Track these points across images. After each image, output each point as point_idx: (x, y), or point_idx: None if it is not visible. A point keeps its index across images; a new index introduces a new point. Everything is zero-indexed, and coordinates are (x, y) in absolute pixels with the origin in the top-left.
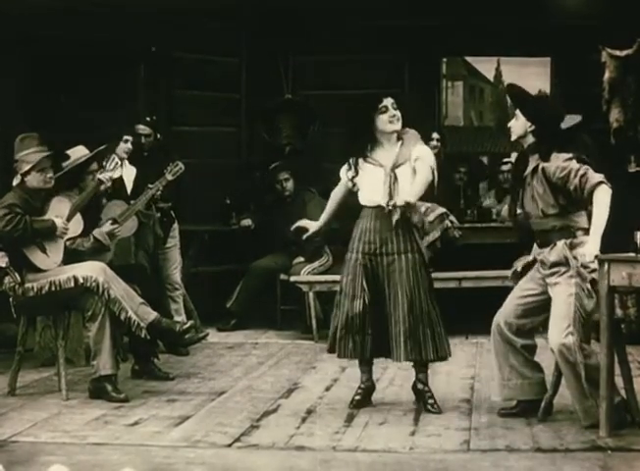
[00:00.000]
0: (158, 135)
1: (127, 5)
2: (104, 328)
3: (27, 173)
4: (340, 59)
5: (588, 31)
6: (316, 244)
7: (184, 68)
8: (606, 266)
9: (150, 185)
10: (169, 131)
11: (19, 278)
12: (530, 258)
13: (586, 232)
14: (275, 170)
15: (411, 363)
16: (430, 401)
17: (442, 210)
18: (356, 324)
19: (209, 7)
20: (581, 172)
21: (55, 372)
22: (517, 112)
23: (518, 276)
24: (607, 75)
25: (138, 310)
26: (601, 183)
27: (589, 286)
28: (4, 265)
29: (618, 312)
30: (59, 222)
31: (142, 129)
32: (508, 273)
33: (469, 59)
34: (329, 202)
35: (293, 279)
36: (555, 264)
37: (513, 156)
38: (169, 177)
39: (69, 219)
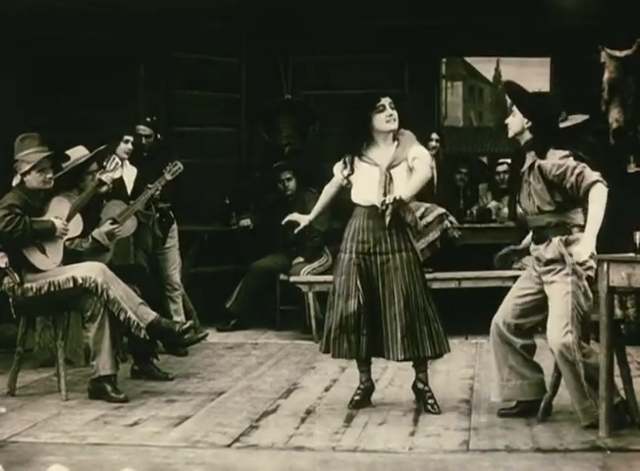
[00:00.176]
0: (158, 136)
1: (127, 5)
2: (103, 328)
3: (27, 173)
4: (340, 59)
5: (588, 32)
6: (316, 245)
7: (184, 68)
8: (605, 266)
9: (150, 186)
10: (169, 132)
11: (18, 278)
12: (520, 247)
13: (582, 228)
14: (277, 169)
15: (411, 363)
16: (430, 401)
17: (441, 210)
18: (351, 324)
19: (209, 7)
20: (578, 170)
21: (54, 372)
22: (514, 109)
23: (503, 259)
24: (606, 75)
25: (138, 310)
26: (597, 181)
27: (585, 283)
28: (3, 265)
29: (618, 313)
30: (58, 222)
31: (143, 129)
32: (508, 273)
33: (469, 59)
34: (321, 197)
35: (292, 279)
36: (550, 261)
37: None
38: (168, 177)
39: (68, 219)
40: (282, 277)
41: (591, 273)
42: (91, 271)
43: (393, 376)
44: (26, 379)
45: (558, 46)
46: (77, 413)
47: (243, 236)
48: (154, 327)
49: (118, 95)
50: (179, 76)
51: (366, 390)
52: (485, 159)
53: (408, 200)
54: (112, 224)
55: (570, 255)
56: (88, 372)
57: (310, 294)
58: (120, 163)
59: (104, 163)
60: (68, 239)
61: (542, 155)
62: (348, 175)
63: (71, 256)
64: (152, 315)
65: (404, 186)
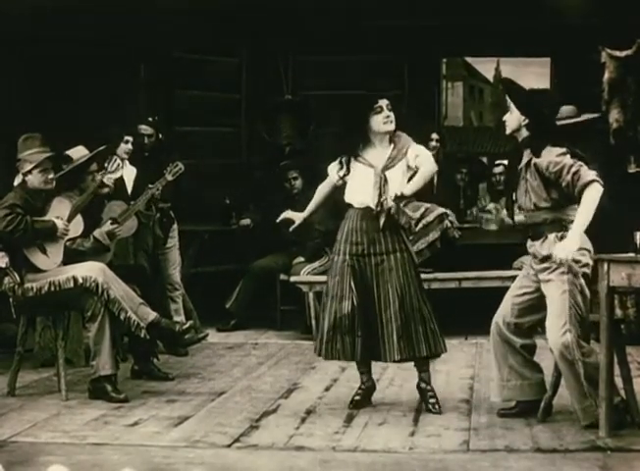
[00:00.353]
0: (160, 135)
1: (127, 5)
2: (104, 328)
3: (29, 172)
4: (340, 59)
5: (588, 32)
6: (316, 245)
7: (184, 68)
8: (605, 266)
9: (151, 186)
10: (169, 132)
11: (18, 278)
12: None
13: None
14: (283, 168)
15: (412, 363)
16: (431, 401)
17: (441, 210)
18: (345, 325)
19: (209, 7)
20: (574, 169)
21: (55, 372)
22: (512, 106)
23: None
24: (606, 75)
25: (138, 310)
26: (593, 181)
27: (582, 281)
28: (4, 265)
29: (618, 313)
30: (59, 223)
31: (145, 129)
32: (508, 273)
33: (469, 59)
34: (315, 196)
35: (292, 279)
36: (546, 258)
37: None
38: (169, 177)
39: (69, 220)
40: (282, 277)
41: (587, 270)
42: (92, 271)
43: (393, 376)
44: (26, 379)
45: (558, 46)
46: (77, 413)
47: (244, 236)
48: (154, 327)
49: (118, 95)
50: (179, 76)
51: (367, 390)
52: (485, 159)
53: (410, 196)
54: (112, 224)
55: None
56: (88, 372)
57: (311, 294)
58: (121, 164)
59: (105, 164)
60: (69, 239)
61: (537, 153)
62: (344, 175)
63: (72, 256)
64: (152, 315)
65: (410, 183)
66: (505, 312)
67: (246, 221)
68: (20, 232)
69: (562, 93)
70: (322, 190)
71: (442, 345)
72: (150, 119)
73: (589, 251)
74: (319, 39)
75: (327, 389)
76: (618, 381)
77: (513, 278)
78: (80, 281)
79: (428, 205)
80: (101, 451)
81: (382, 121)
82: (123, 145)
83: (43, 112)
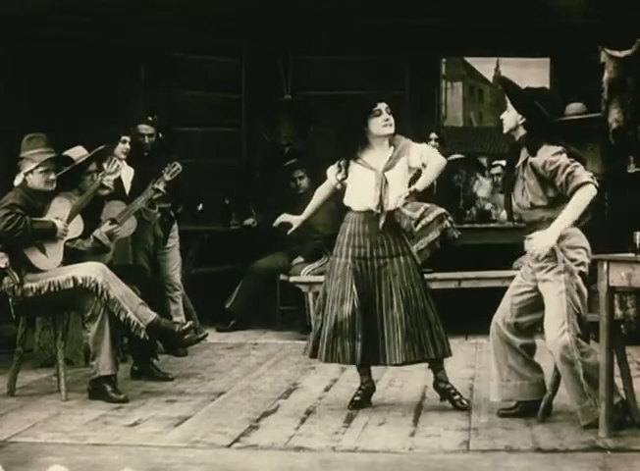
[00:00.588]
0: (160, 134)
1: (127, 5)
2: (103, 328)
3: (30, 172)
4: (340, 59)
5: (588, 32)
6: (317, 246)
7: (184, 68)
8: (605, 266)
9: (151, 186)
10: (169, 132)
11: (18, 278)
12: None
13: (574, 223)
14: (289, 168)
15: (413, 365)
16: (456, 397)
17: (441, 210)
18: (346, 328)
19: (209, 7)
20: (569, 169)
21: (54, 372)
22: (509, 104)
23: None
24: (606, 75)
25: (138, 311)
26: (587, 183)
27: (579, 280)
28: (3, 265)
29: (618, 313)
30: (59, 223)
31: (146, 128)
32: (508, 273)
33: (469, 59)
34: (313, 199)
35: (292, 279)
36: (543, 256)
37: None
38: (167, 177)
39: (69, 220)
40: (282, 277)
41: (583, 269)
42: (91, 271)
43: (393, 376)
44: (25, 379)
45: (558, 46)
46: (76, 413)
47: (246, 236)
48: (154, 327)
49: (118, 95)
50: (179, 76)
51: (367, 390)
52: (484, 159)
53: (421, 192)
54: (111, 224)
55: (562, 250)
56: (88, 372)
57: (310, 294)
58: (120, 164)
59: (104, 165)
60: (69, 240)
61: (534, 152)
62: (343, 178)
63: (71, 256)
64: (152, 315)
65: (422, 178)
66: (504, 312)
67: (249, 221)
68: (19, 232)
69: (562, 93)
70: (321, 193)
71: (447, 347)
72: (150, 118)
73: (586, 250)
74: (319, 39)
75: (327, 389)
76: (618, 381)
77: (513, 278)
78: (80, 281)
79: (428, 205)
80: (101, 452)
81: (381, 124)
82: (120, 145)
83: (43, 112)
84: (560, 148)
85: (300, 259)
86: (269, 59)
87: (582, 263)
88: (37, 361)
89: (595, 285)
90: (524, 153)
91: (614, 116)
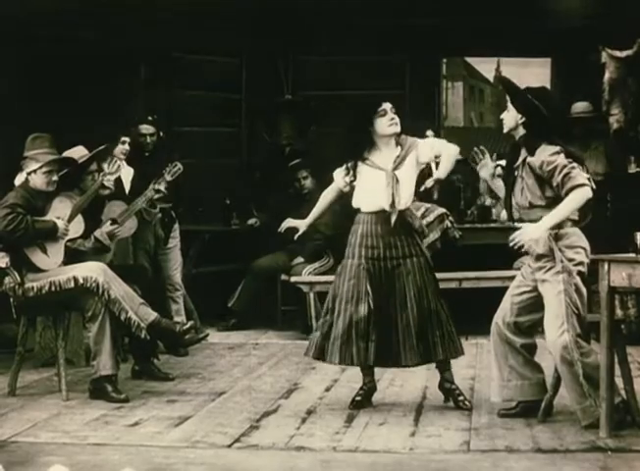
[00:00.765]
0: (161, 133)
1: (127, 5)
2: (104, 328)
3: (33, 172)
4: (340, 59)
5: (588, 32)
6: (317, 246)
7: (183, 68)
8: (606, 266)
9: (152, 186)
10: (169, 132)
11: (19, 278)
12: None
13: (574, 223)
14: (293, 168)
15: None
16: (460, 398)
17: (441, 210)
18: (361, 329)
19: (209, 7)
20: (565, 170)
21: (55, 372)
22: (509, 104)
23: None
24: (607, 75)
25: (138, 310)
26: (582, 185)
27: (577, 279)
28: (4, 265)
29: (618, 313)
30: (60, 223)
31: (146, 128)
32: (508, 273)
33: (469, 59)
34: (319, 202)
35: (293, 279)
36: (541, 256)
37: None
38: (168, 178)
39: (70, 220)
40: (283, 277)
41: (582, 268)
42: (92, 271)
43: (393, 376)
44: (26, 379)
45: (558, 46)
46: (77, 413)
47: (247, 236)
48: (155, 327)
49: (118, 95)
50: (179, 76)
51: (368, 390)
52: None
53: (443, 180)
54: (112, 224)
55: (560, 250)
56: (89, 372)
57: (311, 294)
58: (121, 165)
59: (104, 165)
60: (70, 240)
61: (532, 151)
62: (352, 180)
63: (72, 256)
64: (153, 315)
65: (440, 167)
66: (504, 312)
67: (252, 220)
68: (20, 231)
69: (563, 94)
70: (327, 196)
71: (459, 348)
72: (150, 117)
73: (585, 249)
74: (319, 39)
75: (327, 389)
76: (619, 381)
77: (513, 278)
78: (81, 281)
79: (428, 205)
80: (101, 452)
81: (387, 123)
82: (120, 146)
83: (43, 112)
84: (557, 148)
85: (300, 259)
86: (269, 59)
87: (581, 263)
88: (38, 361)
89: (596, 285)
90: (523, 153)
91: (615, 116)
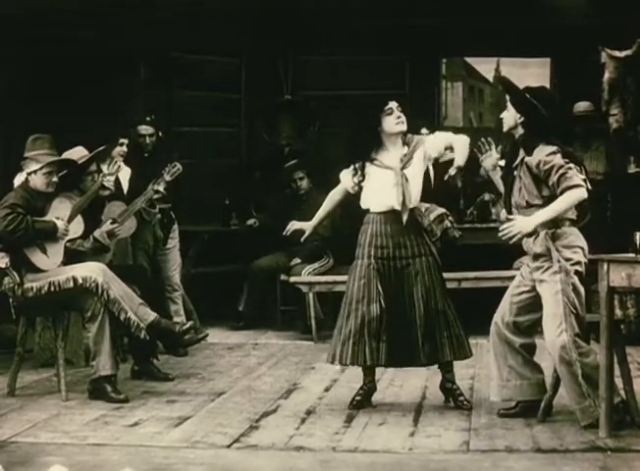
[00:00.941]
0: (160, 133)
1: (126, 5)
2: (103, 328)
3: (34, 172)
4: (340, 59)
5: (588, 32)
6: (314, 247)
7: (183, 68)
8: (605, 266)
9: (151, 186)
10: (169, 132)
11: (18, 278)
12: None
13: (572, 222)
14: (289, 169)
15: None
16: (460, 398)
17: (441, 210)
18: (373, 328)
19: (209, 7)
20: (562, 171)
21: (54, 373)
22: (508, 103)
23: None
24: (606, 75)
25: (138, 311)
26: (577, 186)
27: (575, 279)
28: (4, 266)
29: (618, 313)
30: (60, 223)
31: (145, 128)
32: (508, 273)
33: (469, 59)
34: (325, 203)
35: (293, 279)
36: (538, 255)
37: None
38: (167, 178)
39: (70, 220)
40: (282, 277)
41: (579, 268)
42: (92, 271)
43: (393, 376)
44: (26, 379)
45: (558, 46)
46: (77, 413)
47: (246, 236)
48: (154, 327)
49: (117, 95)
50: (178, 76)
51: (368, 390)
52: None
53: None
54: (112, 224)
55: (557, 250)
56: (88, 372)
57: (311, 295)
58: (121, 165)
59: (103, 166)
60: (69, 240)
61: (529, 151)
62: (360, 181)
63: (72, 256)
64: (152, 315)
65: (456, 155)
66: (504, 311)
67: (252, 221)
68: (20, 231)
69: (563, 94)
70: (333, 198)
71: (467, 349)
72: (148, 118)
73: (582, 249)
74: (319, 39)
75: (327, 389)
76: (618, 381)
77: (513, 278)
78: (80, 281)
79: (428, 205)
80: (101, 452)
81: (394, 122)
82: (118, 148)
83: (43, 112)
84: (554, 148)
85: (298, 260)
86: (269, 59)
87: (578, 262)
88: (38, 361)
89: (595, 285)
90: (522, 152)
91: (615, 116)
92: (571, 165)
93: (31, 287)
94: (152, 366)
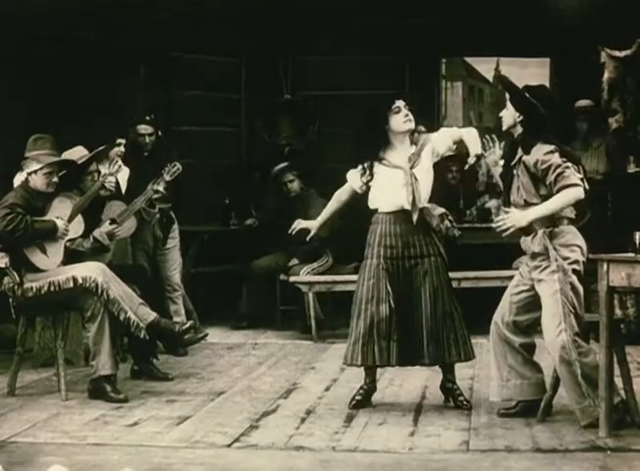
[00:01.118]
0: (159, 133)
1: (126, 5)
2: (103, 328)
3: (34, 172)
4: (340, 59)
5: (588, 32)
6: (312, 248)
7: (183, 68)
8: (605, 266)
9: (151, 187)
10: (168, 131)
11: (18, 278)
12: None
13: (570, 221)
14: (280, 172)
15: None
16: (460, 398)
17: (441, 210)
18: (383, 328)
19: (209, 7)
20: (559, 170)
21: (54, 372)
22: (508, 102)
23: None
24: (606, 75)
25: (138, 311)
26: (574, 185)
27: (573, 278)
28: (4, 265)
29: (618, 313)
30: (60, 223)
31: (144, 128)
32: (508, 273)
33: (469, 59)
34: (331, 203)
35: (292, 279)
36: (536, 254)
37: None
38: (167, 178)
39: (70, 220)
40: (282, 277)
41: (577, 267)
42: (91, 271)
43: (393, 376)
44: (25, 379)
45: (558, 46)
46: (76, 413)
47: (247, 236)
48: (154, 327)
49: (117, 95)
50: (178, 76)
51: (369, 390)
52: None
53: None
54: (111, 224)
55: (555, 249)
56: (88, 372)
57: (310, 294)
58: (122, 165)
59: (101, 166)
60: (69, 240)
61: (527, 150)
62: (368, 181)
63: (72, 256)
64: (152, 315)
65: (470, 145)
66: (503, 311)
67: (250, 221)
68: (20, 231)
69: (562, 94)
70: (340, 198)
71: (470, 352)
72: (147, 117)
73: (580, 247)
74: (319, 39)
75: (327, 389)
76: (618, 381)
77: (513, 278)
78: (80, 281)
79: (429, 205)
80: (101, 452)
81: (402, 120)
82: (115, 148)
83: (43, 112)
84: (552, 147)
85: (295, 261)
86: (269, 59)
87: (576, 261)
88: (37, 361)
89: (595, 284)
90: (520, 151)
91: (615, 116)
92: (569, 164)
93: (31, 287)
94: (152, 366)
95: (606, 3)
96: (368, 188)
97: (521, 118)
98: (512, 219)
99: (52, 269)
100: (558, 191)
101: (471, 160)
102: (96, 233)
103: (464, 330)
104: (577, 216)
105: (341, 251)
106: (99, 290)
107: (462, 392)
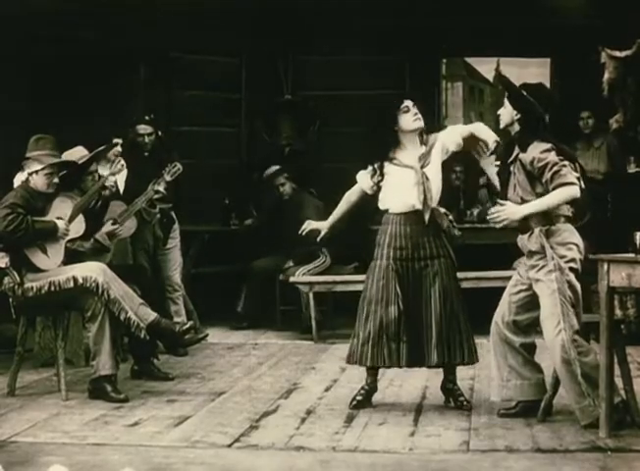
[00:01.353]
0: (159, 133)
1: (127, 5)
2: (104, 328)
3: (35, 173)
4: (340, 59)
5: (588, 32)
6: (309, 250)
7: (183, 68)
8: (605, 266)
9: (151, 186)
10: (168, 132)
11: (18, 278)
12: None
13: (567, 219)
14: (272, 176)
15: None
16: (461, 399)
17: (441, 210)
18: (392, 330)
19: (209, 7)
20: (555, 168)
21: (54, 372)
22: (506, 100)
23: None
24: (606, 75)
25: (138, 311)
26: (570, 183)
27: (571, 277)
28: (4, 265)
29: (618, 313)
30: (60, 223)
31: (144, 128)
32: (508, 273)
33: (469, 59)
34: (341, 204)
35: (292, 279)
36: (533, 252)
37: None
38: (167, 178)
39: (70, 220)
40: (281, 277)
41: (574, 265)
42: (92, 271)
43: (393, 376)
44: (26, 379)
45: (558, 46)
46: (77, 413)
47: (247, 236)
48: (154, 327)
49: (117, 95)
50: (178, 76)
51: (369, 391)
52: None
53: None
54: (112, 224)
55: (551, 247)
56: (88, 372)
57: (310, 295)
58: (124, 165)
59: (100, 167)
60: (70, 240)
61: (524, 148)
62: (379, 181)
63: (72, 256)
64: (153, 315)
65: (484, 134)
66: (503, 311)
67: (250, 221)
68: (20, 231)
69: (562, 94)
70: (349, 199)
71: (474, 355)
72: (147, 117)
73: (577, 245)
74: (319, 39)
75: (327, 389)
76: (618, 381)
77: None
78: (81, 281)
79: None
80: (101, 452)
81: (411, 119)
82: (113, 148)
83: (43, 112)
84: (549, 145)
85: (290, 263)
86: (269, 59)
87: (573, 259)
88: (38, 361)
89: (595, 285)
90: (517, 149)
91: (615, 116)
92: (565, 162)
93: (32, 287)
94: (152, 366)
95: (606, 3)
96: (378, 189)
97: (519, 116)
98: (507, 211)
99: (52, 269)
100: (554, 189)
101: (492, 146)
102: (97, 233)
103: (469, 333)
104: (577, 216)
105: (338, 252)
106: (100, 290)
107: (463, 392)
